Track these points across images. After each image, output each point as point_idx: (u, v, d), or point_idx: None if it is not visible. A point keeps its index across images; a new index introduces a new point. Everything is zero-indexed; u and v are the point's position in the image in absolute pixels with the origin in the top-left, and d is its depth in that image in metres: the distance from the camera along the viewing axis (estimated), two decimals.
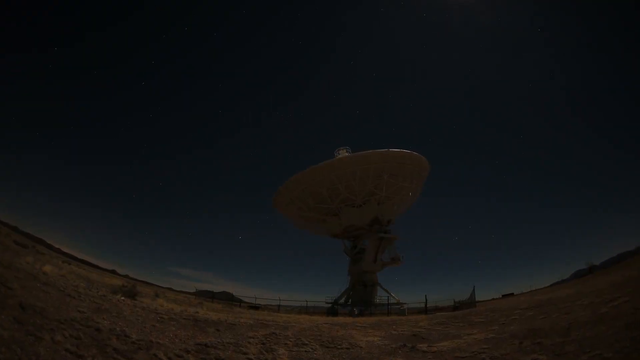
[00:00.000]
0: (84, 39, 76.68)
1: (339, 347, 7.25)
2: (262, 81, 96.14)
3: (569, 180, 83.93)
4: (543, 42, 71.40)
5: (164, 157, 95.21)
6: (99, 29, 75.56)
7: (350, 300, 32.06)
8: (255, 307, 27.08)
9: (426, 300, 27.29)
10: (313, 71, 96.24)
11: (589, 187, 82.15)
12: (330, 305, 31.25)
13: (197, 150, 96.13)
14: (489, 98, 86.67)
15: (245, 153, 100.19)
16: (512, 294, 31.04)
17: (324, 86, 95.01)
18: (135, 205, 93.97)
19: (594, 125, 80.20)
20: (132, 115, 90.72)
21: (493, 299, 30.36)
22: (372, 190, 31.75)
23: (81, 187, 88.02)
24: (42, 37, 72.82)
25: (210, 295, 33.04)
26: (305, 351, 6.63)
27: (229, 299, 34.41)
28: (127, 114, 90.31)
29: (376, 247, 31.82)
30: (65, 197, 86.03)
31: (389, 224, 33.62)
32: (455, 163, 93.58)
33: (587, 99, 78.61)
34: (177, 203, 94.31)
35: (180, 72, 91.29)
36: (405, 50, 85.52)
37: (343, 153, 33.39)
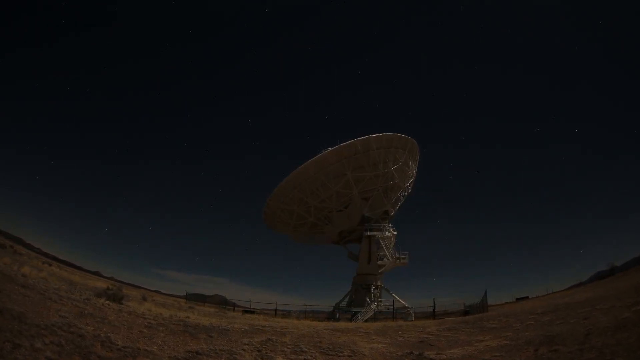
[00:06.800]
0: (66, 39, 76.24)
1: (340, 354, 7.29)
2: (254, 81, 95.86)
3: (589, 177, 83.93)
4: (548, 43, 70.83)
5: (159, 155, 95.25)
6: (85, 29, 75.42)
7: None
8: (251, 312, 27.27)
9: (434, 304, 27.49)
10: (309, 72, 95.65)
11: (610, 183, 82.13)
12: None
13: (193, 148, 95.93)
14: (508, 95, 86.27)
15: (241, 152, 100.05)
16: (526, 298, 31.26)
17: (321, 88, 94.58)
18: (120, 203, 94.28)
19: (615, 122, 79.91)
20: (120, 113, 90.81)
21: (506, 303, 30.54)
22: (349, 184, 30.65)
23: (64, 183, 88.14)
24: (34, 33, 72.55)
25: (202, 299, 33.30)
26: (304, 359, 6.67)
27: (221, 302, 34.66)
28: (116, 111, 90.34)
29: (368, 247, 31.60)
30: (47, 194, 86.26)
31: (389, 218, 33.33)
32: (468, 160, 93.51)
33: (605, 97, 78.34)
34: (165, 201, 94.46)
35: (171, 69, 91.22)
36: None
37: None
